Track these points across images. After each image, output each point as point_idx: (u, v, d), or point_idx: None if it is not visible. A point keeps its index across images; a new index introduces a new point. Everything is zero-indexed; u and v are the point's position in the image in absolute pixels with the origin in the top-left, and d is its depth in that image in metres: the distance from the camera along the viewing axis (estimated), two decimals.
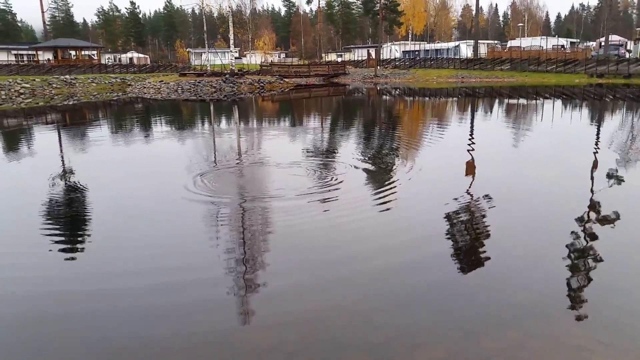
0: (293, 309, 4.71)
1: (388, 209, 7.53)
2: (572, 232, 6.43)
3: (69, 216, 7.77)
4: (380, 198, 8.20)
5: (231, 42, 43.55)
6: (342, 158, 11.84)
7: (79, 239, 6.73)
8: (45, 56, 59.42)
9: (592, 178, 9.54)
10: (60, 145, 15.68)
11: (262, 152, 13.55)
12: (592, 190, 8.52)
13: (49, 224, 7.29)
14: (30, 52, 62.00)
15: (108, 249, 6.27)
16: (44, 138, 17.55)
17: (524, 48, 54.83)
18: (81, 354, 4.06)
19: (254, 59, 76.51)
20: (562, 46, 61.66)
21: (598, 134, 15.89)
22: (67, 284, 5.33)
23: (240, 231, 6.71)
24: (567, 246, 5.99)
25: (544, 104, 26.74)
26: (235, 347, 4.10)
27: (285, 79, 45.39)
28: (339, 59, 75.31)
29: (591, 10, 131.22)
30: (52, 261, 5.89)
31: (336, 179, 9.36)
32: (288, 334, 4.24)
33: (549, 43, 59.66)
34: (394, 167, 10.73)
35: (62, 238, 6.71)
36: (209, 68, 47.04)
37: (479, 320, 4.38)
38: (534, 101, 28.67)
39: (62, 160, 12.79)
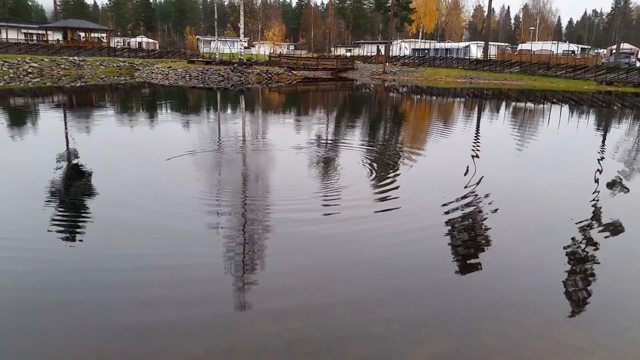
0: (294, 299, 4.73)
1: (389, 208, 7.52)
2: (575, 235, 6.43)
3: (66, 196, 7.81)
4: (382, 196, 8.19)
5: (241, 31, 43.35)
6: (343, 152, 11.85)
7: (74, 219, 6.76)
8: (54, 36, 59.24)
9: (596, 183, 9.51)
10: (66, 127, 15.72)
11: (264, 139, 13.62)
12: (595, 195, 8.51)
13: (47, 203, 7.33)
14: (40, 32, 61.82)
15: (106, 229, 6.30)
16: (50, 118, 17.58)
17: (534, 52, 54.59)
18: (85, 329, 4.11)
19: (262, 49, 76.27)
20: (573, 52, 61.45)
21: (604, 140, 15.83)
22: (64, 261, 5.39)
23: (240, 218, 6.73)
24: (569, 249, 5.99)
25: (551, 109, 26.63)
26: (236, 332, 4.13)
27: (293, 71, 45.29)
28: (348, 54, 75.06)
29: (604, 17, 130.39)
30: (47, 242, 5.92)
31: (336, 174, 9.38)
32: (289, 322, 4.26)
33: (560, 48, 59.46)
34: (397, 164, 10.71)
35: (59, 217, 6.75)
36: (217, 56, 46.91)
37: (481, 318, 4.40)
38: (541, 105, 28.55)
39: (66, 141, 12.83)
